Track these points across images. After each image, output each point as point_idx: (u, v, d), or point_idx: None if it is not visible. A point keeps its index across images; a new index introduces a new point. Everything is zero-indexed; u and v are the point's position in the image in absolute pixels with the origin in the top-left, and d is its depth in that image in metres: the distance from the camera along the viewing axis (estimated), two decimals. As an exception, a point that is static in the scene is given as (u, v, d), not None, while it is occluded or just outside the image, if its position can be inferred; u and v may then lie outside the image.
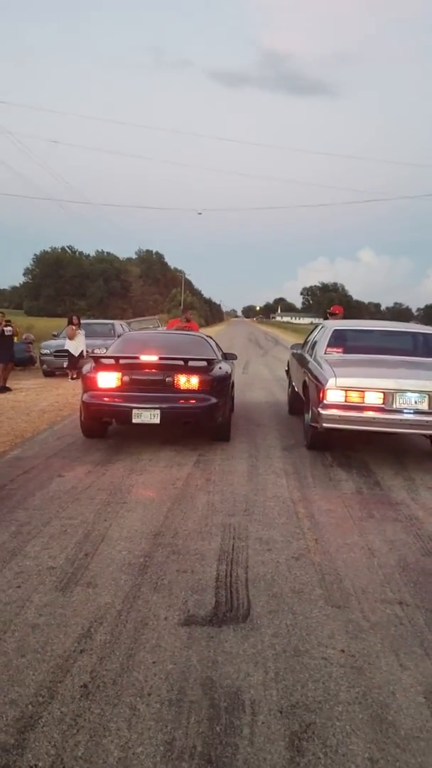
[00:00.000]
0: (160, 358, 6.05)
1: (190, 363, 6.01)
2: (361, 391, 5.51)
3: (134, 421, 5.88)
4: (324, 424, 5.57)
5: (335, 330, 6.97)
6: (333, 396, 5.55)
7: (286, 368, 9.79)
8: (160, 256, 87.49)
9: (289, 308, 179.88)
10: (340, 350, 6.66)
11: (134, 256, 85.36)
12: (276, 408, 9.28)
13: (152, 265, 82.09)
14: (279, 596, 3.02)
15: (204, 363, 6.12)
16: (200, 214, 36.07)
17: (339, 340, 6.84)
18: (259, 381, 13.41)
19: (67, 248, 76.31)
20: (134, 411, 5.86)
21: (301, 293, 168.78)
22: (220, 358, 7.14)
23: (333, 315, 9.37)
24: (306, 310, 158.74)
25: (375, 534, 3.92)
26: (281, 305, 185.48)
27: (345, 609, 2.94)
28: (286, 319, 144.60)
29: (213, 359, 6.48)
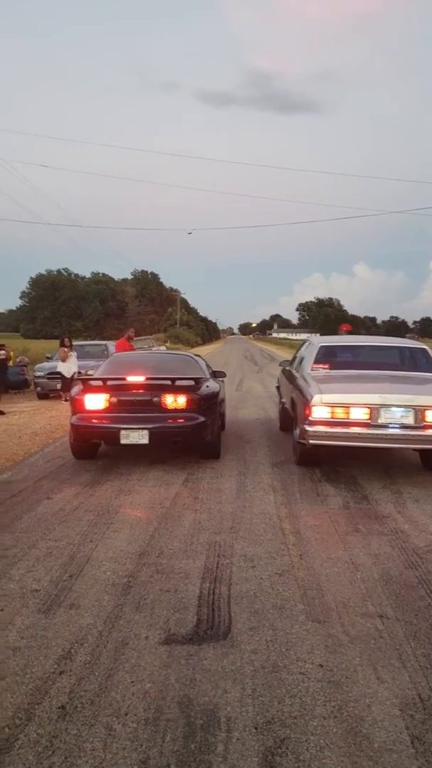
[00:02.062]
0: (147, 379, 6.12)
1: (178, 382, 6.07)
2: (346, 407, 5.56)
3: (123, 441, 5.92)
4: (311, 441, 5.61)
5: (322, 346, 7.05)
6: (319, 412, 5.61)
7: (277, 384, 9.86)
8: (155, 276, 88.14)
9: (285, 324, 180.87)
10: (326, 366, 6.73)
11: (130, 277, 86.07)
12: (267, 425, 9.32)
13: (148, 285, 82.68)
14: (260, 613, 3.05)
15: (191, 382, 6.18)
16: (190, 233, 36.43)
17: (325, 356, 6.92)
18: (252, 398, 13.45)
19: (62, 270, 76.94)
20: (122, 432, 5.91)
21: (297, 309, 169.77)
22: (208, 376, 7.20)
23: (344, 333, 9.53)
24: (302, 325, 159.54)
25: (360, 548, 3.94)
26: (278, 321, 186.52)
27: (325, 623, 2.96)
28: (282, 335, 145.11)
29: (200, 378, 6.54)
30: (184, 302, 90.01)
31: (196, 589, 3.30)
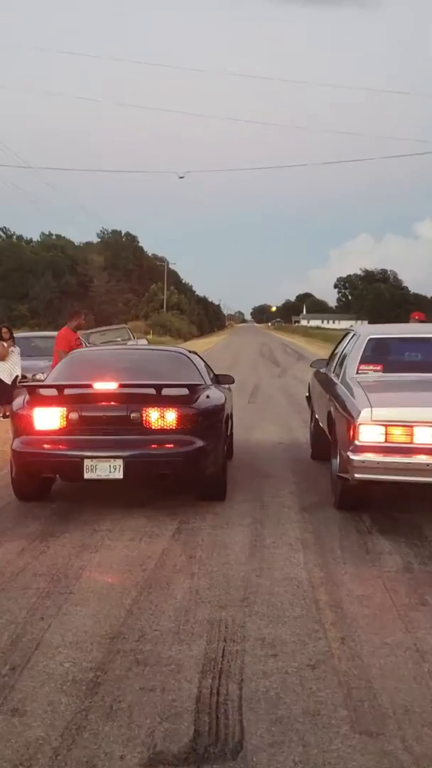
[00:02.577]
0: (123, 386, 6.18)
1: (165, 391, 6.13)
2: (409, 426, 5.61)
3: (87, 476, 5.97)
4: (356, 475, 5.67)
5: (371, 339, 7.13)
6: (368, 434, 5.66)
7: (308, 394, 9.92)
8: (132, 240, 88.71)
9: (318, 307, 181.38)
10: (378, 368, 6.83)
11: (96, 240, 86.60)
12: (294, 451, 9.37)
13: (121, 251, 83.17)
14: (285, 721, 3.07)
15: (185, 390, 6.24)
16: (183, 177, 36.56)
17: (377, 353, 7.00)
18: (273, 413, 13.50)
19: (0, 231, 77.36)
20: (86, 462, 5.96)
21: (336, 285, 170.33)
22: (209, 382, 7.28)
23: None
24: (343, 308, 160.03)
25: (428, 629, 3.97)
26: (307, 303, 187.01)
27: (379, 737, 2.98)
28: (314, 323, 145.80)
29: (198, 385, 6.61)
30: (174, 276, 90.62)
31: (193, 688, 3.32)
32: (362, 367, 6.81)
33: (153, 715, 3.11)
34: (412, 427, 5.59)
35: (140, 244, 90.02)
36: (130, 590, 4.52)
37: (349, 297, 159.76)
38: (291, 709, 3.16)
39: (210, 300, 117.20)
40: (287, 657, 3.62)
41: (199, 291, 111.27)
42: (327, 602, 4.34)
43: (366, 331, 7.51)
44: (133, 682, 3.37)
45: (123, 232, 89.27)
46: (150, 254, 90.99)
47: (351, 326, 8.96)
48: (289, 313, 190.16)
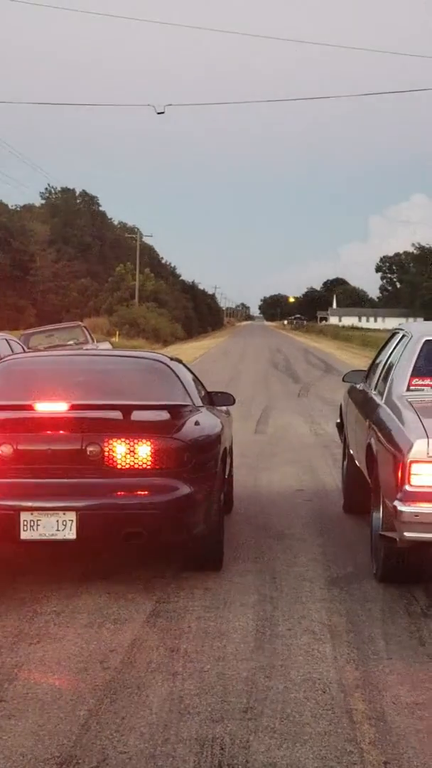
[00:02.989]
0: (76, 407, 6.25)
1: (137, 415, 6.22)
2: None
3: (24, 536, 6.03)
4: (407, 534, 5.74)
5: (427, 341, 7.22)
6: (424, 475, 5.75)
7: (339, 420, 9.97)
8: (90, 201, 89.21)
9: (354, 299, 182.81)
10: None
11: (40, 203, 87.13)
12: (320, 501, 9.47)
13: (74, 218, 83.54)
14: None
15: (165, 414, 6.35)
16: (162, 113, 36.72)
17: (435, 361, 7.06)
18: (289, 447, 13.60)
19: None
20: (24, 516, 6.02)
21: (379, 269, 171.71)
22: (198, 403, 7.37)
23: None
24: (389, 301, 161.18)
25: None
26: (338, 294, 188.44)
27: None
28: (348, 320, 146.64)
29: (184, 406, 6.70)
30: (151, 255, 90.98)
31: None
32: (415, 381, 6.89)
33: None
34: None
35: (101, 209, 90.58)
36: (86, 697, 4.54)
37: (398, 284, 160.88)
38: None
39: (202, 288, 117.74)
40: (308, 790, 3.65)
41: (186, 276, 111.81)
42: (365, 713, 4.38)
43: (420, 331, 7.59)
44: None
45: (77, 192, 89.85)
46: (116, 223, 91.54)
47: (399, 325, 9.01)
48: (313, 307, 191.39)
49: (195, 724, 4.24)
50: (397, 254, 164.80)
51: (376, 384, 7.76)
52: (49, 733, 4.14)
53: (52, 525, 5.99)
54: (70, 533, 5.99)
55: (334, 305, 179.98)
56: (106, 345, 23.96)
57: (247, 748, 4.00)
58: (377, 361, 8.41)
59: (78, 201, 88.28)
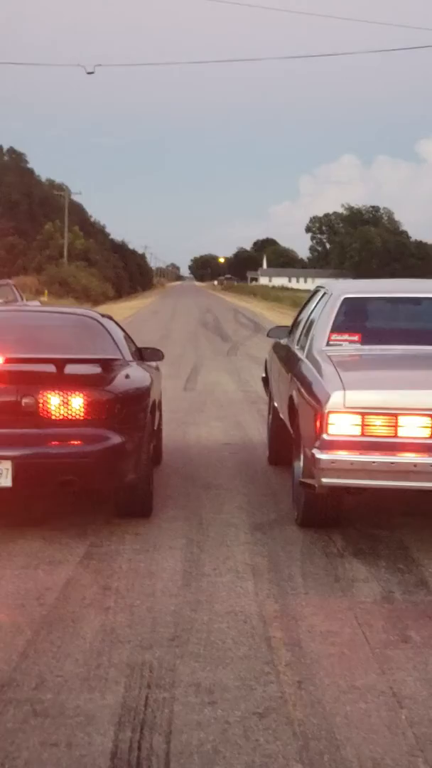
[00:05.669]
0: (9, 360, 6.41)
1: (70, 368, 6.40)
2: (393, 414, 6.02)
3: (-38, 483, 6.19)
4: (324, 480, 6.02)
5: (346, 299, 7.51)
6: (340, 425, 6.04)
7: (264, 374, 10.23)
8: (18, 159, 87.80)
9: (284, 259, 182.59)
10: (355, 337, 7.22)
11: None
12: (246, 454, 9.75)
13: (2, 175, 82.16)
14: (224, 779, 3.43)
15: (96, 368, 6.55)
16: (92, 73, 36.49)
17: (353, 318, 7.43)
18: (217, 403, 13.81)
19: None
20: (-39, 465, 6.18)
21: (309, 229, 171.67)
22: (129, 358, 7.60)
23: None
24: (318, 261, 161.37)
25: (408, 670, 4.40)
26: (268, 254, 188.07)
27: (342, 793, 3.38)
28: (278, 281, 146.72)
29: (115, 360, 6.91)
30: (80, 213, 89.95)
31: (108, 742, 3.66)
32: (334, 336, 7.16)
33: (56, 773, 3.45)
34: (396, 415, 5.99)
35: (29, 166, 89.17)
36: (24, 629, 4.83)
37: (327, 245, 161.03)
38: (231, 764, 3.52)
39: (132, 248, 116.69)
40: (229, 704, 3.98)
41: (116, 235, 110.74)
42: (282, 640, 4.72)
43: (339, 288, 7.86)
44: (30, 735, 3.69)
45: (4, 149, 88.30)
46: (44, 180, 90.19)
47: (323, 284, 9.23)
48: (244, 267, 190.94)
49: (126, 651, 4.55)
50: (327, 214, 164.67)
51: (298, 339, 8.02)
52: (-10, 660, 4.43)
53: (-12, 473, 6.18)
54: (6, 481, 6.19)
55: (265, 266, 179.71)
56: (35, 304, 23.93)
57: (174, 671, 4.33)
58: (300, 317, 8.67)
59: (5, 157, 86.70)
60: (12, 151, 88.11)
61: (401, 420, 5.99)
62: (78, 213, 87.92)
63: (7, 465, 6.19)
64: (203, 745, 3.66)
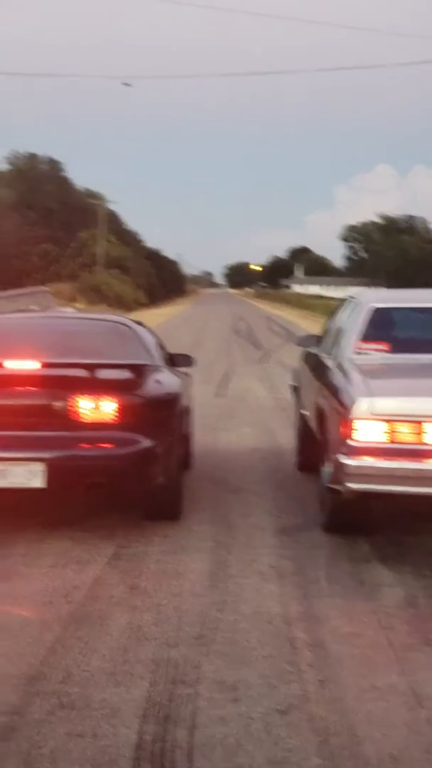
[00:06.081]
0: (44, 365, 6.55)
1: (102, 373, 6.52)
2: (418, 421, 6.08)
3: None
4: (350, 485, 6.10)
5: (375, 309, 7.60)
6: (366, 431, 6.11)
7: (293, 382, 10.31)
8: (55, 167, 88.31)
9: (318, 268, 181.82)
10: (384, 346, 7.31)
11: (4, 168, 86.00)
12: (275, 460, 9.86)
13: (39, 184, 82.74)
14: (245, 770, 3.52)
15: (128, 373, 6.65)
16: (128, 85, 36.93)
17: (382, 327, 7.48)
18: (248, 410, 13.92)
19: None
20: (-6, 465, 6.31)
21: (344, 237, 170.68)
22: (160, 363, 7.70)
23: None
24: (353, 270, 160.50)
25: (430, 672, 4.47)
26: (303, 263, 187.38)
27: (359, 787, 3.46)
28: (312, 289, 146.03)
29: (146, 365, 7.02)
30: (115, 222, 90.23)
31: (132, 734, 3.76)
32: (362, 345, 7.25)
33: (82, 761, 3.54)
34: (421, 423, 6.05)
35: (66, 175, 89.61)
36: (52, 626, 4.94)
37: (362, 254, 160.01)
38: (253, 758, 3.61)
39: (166, 255, 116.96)
40: (251, 701, 4.07)
41: (151, 242, 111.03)
42: (305, 641, 4.81)
43: (369, 298, 7.97)
44: (58, 726, 3.80)
45: (42, 157, 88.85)
46: (80, 189, 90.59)
47: (354, 293, 9.33)
48: (278, 275, 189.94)
49: (152, 648, 4.66)
50: (362, 224, 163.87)
51: (327, 348, 8.10)
52: (19, 655, 4.55)
53: (21, 474, 6.29)
54: (39, 482, 6.28)
55: (299, 274, 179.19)
56: (69, 310, 24.19)
57: (199, 668, 4.43)
58: (329, 326, 8.75)
59: (41, 165, 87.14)
60: (50, 160, 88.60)
61: (426, 427, 6.04)
62: (113, 221, 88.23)
63: (41, 467, 6.29)
64: (226, 739, 3.76)
